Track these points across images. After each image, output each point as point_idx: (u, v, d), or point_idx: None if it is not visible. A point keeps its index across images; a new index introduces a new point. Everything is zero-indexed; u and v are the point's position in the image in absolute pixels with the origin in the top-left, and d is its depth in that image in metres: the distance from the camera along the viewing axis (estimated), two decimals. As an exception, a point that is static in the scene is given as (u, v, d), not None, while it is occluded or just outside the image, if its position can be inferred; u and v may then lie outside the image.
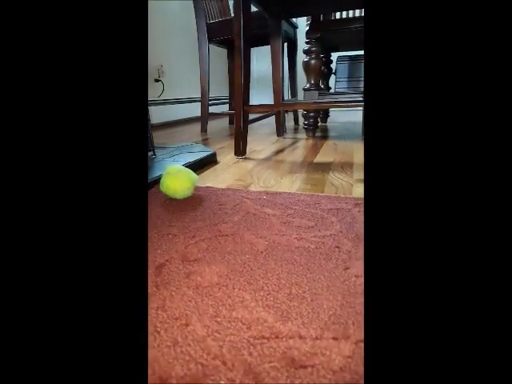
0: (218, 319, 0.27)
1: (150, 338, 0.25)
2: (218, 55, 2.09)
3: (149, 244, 0.41)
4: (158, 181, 0.64)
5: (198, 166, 0.83)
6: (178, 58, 2.07)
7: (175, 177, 0.57)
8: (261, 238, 0.42)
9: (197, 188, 0.65)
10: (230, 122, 2.02)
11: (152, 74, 1.82)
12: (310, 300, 0.29)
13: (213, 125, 1.96)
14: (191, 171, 0.60)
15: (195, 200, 0.58)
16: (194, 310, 0.28)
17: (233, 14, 0.89)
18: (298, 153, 1.05)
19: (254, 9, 1.02)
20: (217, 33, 1.49)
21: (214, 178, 0.76)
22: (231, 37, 1.42)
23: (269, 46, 1.39)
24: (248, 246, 0.40)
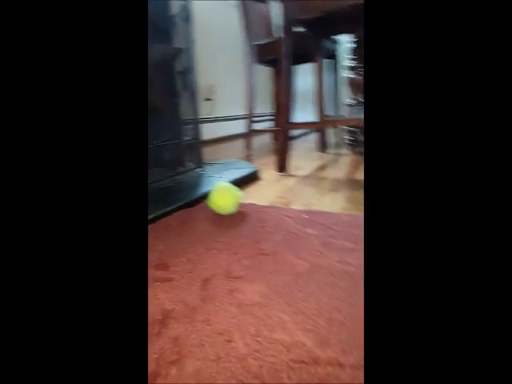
0: (259, 339, 0.28)
1: (196, 350, 0.27)
2: (263, 73, 2.17)
3: (196, 258, 0.44)
4: (206, 196, 0.68)
5: (242, 183, 0.87)
6: (227, 77, 2.19)
7: (221, 194, 0.62)
8: (301, 259, 0.43)
9: (241, 204, 0.67)
10: (274, 138, 2.05)
11: (203, 93, 1.94)
12: (350, 326, 0.29)
13: (257, 141, 2.02)
14: (236, 188, 0.64)
15: (239, 216, 0.61)
16: (236, 327, 0.30)
17: (275, 34, 0.93)
18: (341, 169, 1.04)
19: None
20: (263, 53, 1.56)
21: (256, 195, 0.78)
22: (277, 57, 1.47)
23: (310, 62, 1.41)
24: (288, 266, 0.41)
